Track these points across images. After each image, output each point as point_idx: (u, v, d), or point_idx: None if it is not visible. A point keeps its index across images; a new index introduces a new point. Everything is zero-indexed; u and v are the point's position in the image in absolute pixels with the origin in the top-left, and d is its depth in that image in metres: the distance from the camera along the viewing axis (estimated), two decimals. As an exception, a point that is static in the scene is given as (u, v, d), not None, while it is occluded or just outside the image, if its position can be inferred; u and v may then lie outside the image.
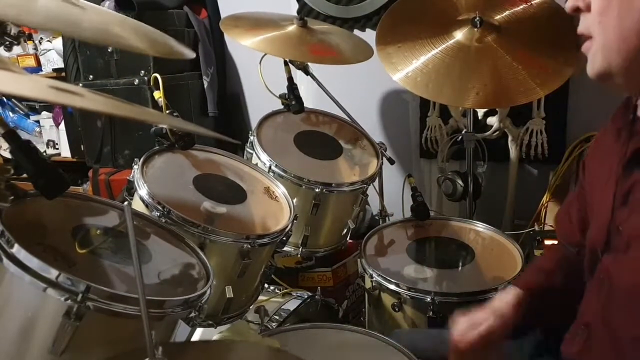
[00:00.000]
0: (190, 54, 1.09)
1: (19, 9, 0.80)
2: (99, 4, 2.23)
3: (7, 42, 1.55)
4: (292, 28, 1.79)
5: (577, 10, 0.83)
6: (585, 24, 0.83)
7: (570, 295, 1.06)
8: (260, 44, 1.70)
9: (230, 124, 2.83)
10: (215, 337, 1.35)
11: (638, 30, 0.76)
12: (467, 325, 1.06)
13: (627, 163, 0.86)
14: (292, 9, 2.46)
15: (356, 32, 2.37)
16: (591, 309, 0.95)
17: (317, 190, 1.61)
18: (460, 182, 1.98)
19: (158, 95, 1.46)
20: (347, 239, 1.81)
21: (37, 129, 3.54)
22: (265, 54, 1.78)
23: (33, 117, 3.59)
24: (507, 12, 1.73)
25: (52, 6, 0.86)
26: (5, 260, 0.87)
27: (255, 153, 1.65)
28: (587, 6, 0.81)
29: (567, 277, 1.12)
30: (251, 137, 1.69)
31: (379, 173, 1.78)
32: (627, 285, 0.85)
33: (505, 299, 1.09)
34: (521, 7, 1.73)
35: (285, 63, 1.82)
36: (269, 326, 1.52)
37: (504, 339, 1.06)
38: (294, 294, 1.76)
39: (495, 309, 1.08)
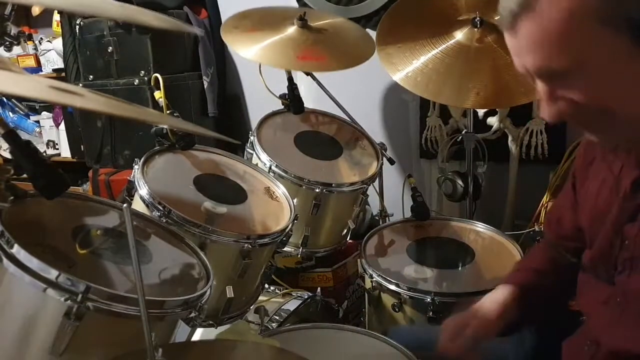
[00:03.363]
0: (199, 32, 1.14)
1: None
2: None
3: (7, 42, 1.55)
4: (291, 30, 1.79)
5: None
6: None
7: (560, 294, 1.14)
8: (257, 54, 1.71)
9: (230, 124, 2.82)
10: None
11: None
12: (453, 331, 1.07)
13: (635, 180, 0.88)
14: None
15: (356, 32, 2.37)
16: (600, 326, 0.95)
17: (317, 190, 1.61)
18: (460, 182, 1.98)
19: (159, 95, 1.46)
20: (347, 239, 1.81)
21: (37, 129, 3.54)
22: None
23: (33, 118, 3.59)
24: (507, 13, 1.73)
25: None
26: (5, 260, 0.87)
27: (256, 153, 1.65)
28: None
29: (557, 276, 1.13)
30: (251, 137, 1.69)
31: (379, 173, 1.78)
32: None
33: (495, 298, 1.10)
34: (521, 7, 1.72)
35: (286, 63, 1.82)
36: (269, 326, 1.52)
37: (492, 338, 1.07)
38: (294, 294, 1.76)
39: (480, 310, 1.08)
